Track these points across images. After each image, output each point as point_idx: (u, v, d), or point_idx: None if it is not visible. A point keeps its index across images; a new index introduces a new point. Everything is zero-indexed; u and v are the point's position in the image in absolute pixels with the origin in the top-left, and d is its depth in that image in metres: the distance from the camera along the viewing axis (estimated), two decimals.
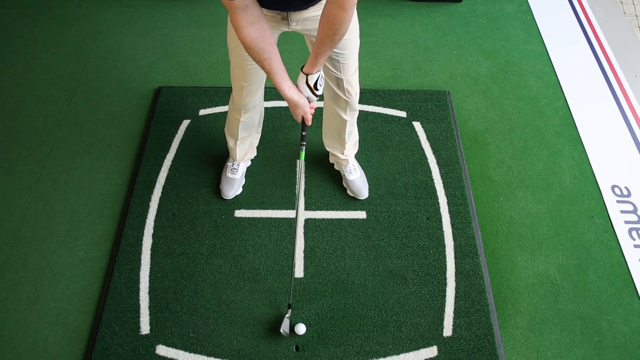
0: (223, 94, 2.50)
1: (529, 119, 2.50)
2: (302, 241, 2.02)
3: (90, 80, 2.58)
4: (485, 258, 2.00)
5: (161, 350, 1.75)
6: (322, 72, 1.51)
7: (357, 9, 1.59)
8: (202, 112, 2.43)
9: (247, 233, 2.03)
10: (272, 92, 2.49)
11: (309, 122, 1.57)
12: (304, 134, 1.62)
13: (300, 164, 1.79)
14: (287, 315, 1.77)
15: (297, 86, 1.51)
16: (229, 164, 2.14)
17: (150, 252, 1.97)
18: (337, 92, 1.76)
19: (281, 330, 1.73)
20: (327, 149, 2.12)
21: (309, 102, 1.54)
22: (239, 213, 2.09)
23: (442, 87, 2.61)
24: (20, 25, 2.85)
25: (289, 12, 1.44)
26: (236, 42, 1.57)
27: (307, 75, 1.47)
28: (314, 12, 1.47)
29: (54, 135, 2.34)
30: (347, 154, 2.07)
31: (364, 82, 2.61)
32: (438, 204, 2.14)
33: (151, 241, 2.00)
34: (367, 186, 2.15)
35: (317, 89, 1.51)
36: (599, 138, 2.44)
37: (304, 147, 1.65)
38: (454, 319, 1.84)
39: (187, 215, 2.07)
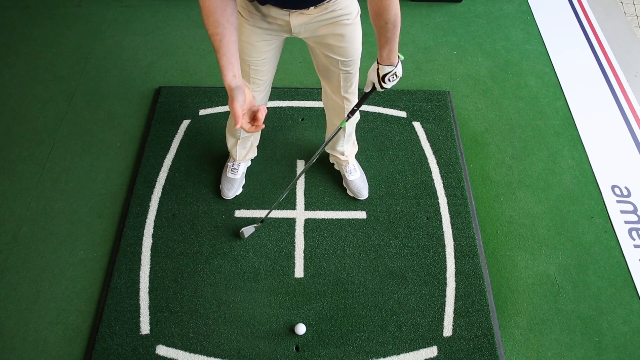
0: (223, 94, 2.49)
1: (529, 119, 2.50)
2: (302, 241, 2.02)
3: (90, 80, 2.57)
4: (485, 258, 2.00)
5: (161, 350, 1.75)
6: (397, 69, 1.52)
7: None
8: (202, 112, 2.43)
9: None
10: (271, 92, 2.48)
11: (238, 124, 1.20)
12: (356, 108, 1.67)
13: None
14: (255, 225, 1.88)
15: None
16: (229, 164, 2.14)
17: (150, 252, 1.97)
18: (334, 98, 1.80)
19: (240, 231, 1.84)
20: (327, 150, 2.13)
21: (259, 105, 1.29)
22: (239, 213, 2.09)
23: (442, 87, 2.61)
24: (20, 25, 2.84)
25: (290, 15, 1.44)
26: (241, 47, 1.56)
27: (379, 64, 1.51)
28: (314, 18, 1.46)
29: (54, 135, 2.34)
30: (347, 155, 2.08)
31: (364, 82, 2.61)
32: (438, 204, 2.14)
33: (151, 241, 2.00)
34: (367, 186, 2.15)
35: (384, 82, 1.51)
36: (599, 138, 2.44)
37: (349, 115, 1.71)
38: (454, 319, 1.84)
39: (187, 215, 2.07)
